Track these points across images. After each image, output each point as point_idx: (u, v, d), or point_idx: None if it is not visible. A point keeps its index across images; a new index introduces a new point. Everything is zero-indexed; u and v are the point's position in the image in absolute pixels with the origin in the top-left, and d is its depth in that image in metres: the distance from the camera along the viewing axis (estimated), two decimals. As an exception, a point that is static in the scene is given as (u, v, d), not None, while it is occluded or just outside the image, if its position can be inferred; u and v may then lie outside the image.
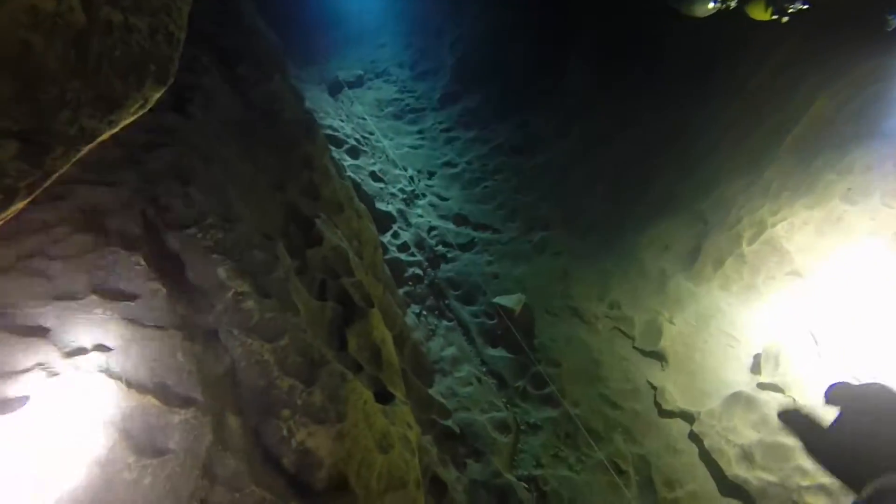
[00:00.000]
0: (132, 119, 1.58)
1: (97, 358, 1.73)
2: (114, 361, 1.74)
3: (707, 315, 5.30)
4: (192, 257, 2.22)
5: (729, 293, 5.41)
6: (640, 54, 7.31)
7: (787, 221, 5.07)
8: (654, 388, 4.84)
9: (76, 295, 1.83)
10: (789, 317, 4.82)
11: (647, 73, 7.22)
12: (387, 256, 5.52)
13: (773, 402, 4.24)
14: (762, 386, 4.39)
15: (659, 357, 5.08)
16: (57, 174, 1.32)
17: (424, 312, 5.27)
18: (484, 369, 4.96)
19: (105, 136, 1.45)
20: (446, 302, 5.60)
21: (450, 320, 5.40)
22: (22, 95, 1.23)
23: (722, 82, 6.22)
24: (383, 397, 2.94)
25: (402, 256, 5.82)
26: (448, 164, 8.04)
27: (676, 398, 4.70)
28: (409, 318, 4.89)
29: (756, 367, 4.59)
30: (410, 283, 5.58)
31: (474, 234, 6.72)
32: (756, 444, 4.04)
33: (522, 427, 4.48)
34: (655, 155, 6.74)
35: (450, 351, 4.92)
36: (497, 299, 5.56)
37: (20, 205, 1.27)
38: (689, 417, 4.53)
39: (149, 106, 1.63)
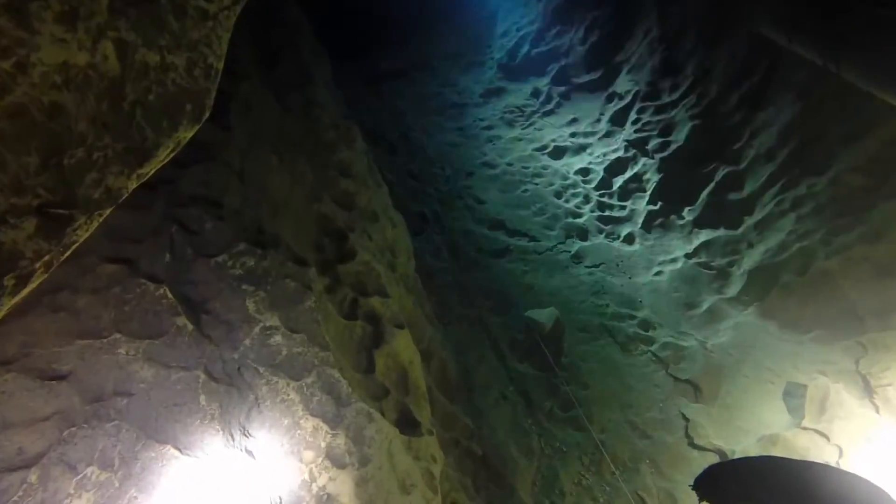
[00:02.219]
0: (165, 162, 1.54)
1: (118, 404, 1.74)
2: (135, 408, 1.75)
3: (746, 345, 5.08)
4: (221, 288, 2.21)
5: (772, 323, 5.16)
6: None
7: (844, 255, 4.78)
8: (687, 419, 4.67)
9: (101, 333, 1.84)
10: (840, 357, 4.56)
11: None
12: (418, 261, 5.48)
13: (814, 450, 4.04)
14: (804, 430, 4.17)
15: (693, 387, 4.89)
16: (76, 245, 1.30)
17: (454, 323, 5.22)
18: (511, 387, 4.90)
19: (133, 187, 1.41)
20: (477, 312, 5.53)
21: (480, 332, 5.34)
22: (47, 163, 1.17)
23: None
24: (409, 425, 2.92)
25: (434, 262, 5.77)
26: (487, 164, 7.89)
27: (709, 433, 4.53)
28: (439, 331, 4.85)
29: (798, 409, 4.36)
30: (441, 290, 5.53)
31: (510, 240, 6.59)
32: (792, 494, 3.85)
33: (547, 451, 4.41)
34: (700, 163, 6.45)
35: (478, 366, 4.87)
36: (529, 313, 5.46)
37: (33, 286, 1.25)
38: (721, 455, 4.36)
39: (182, 145, 1.58)
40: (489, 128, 8.83)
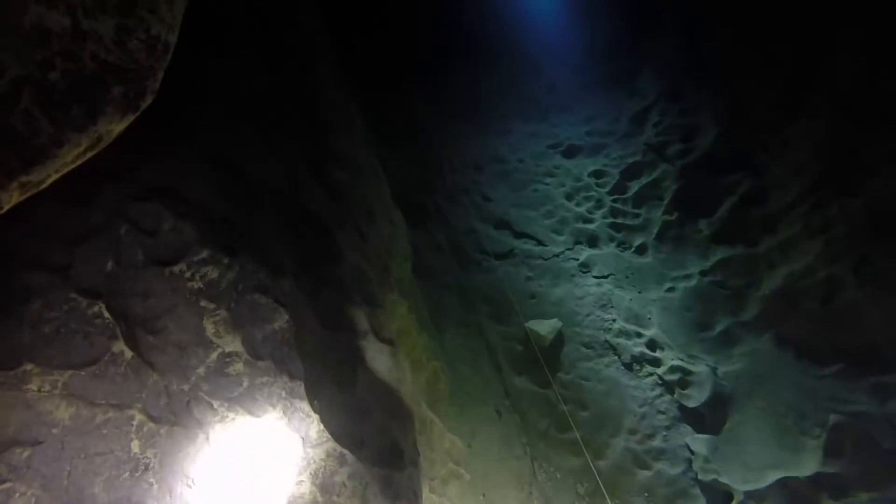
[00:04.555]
0: (77, 164, 1.18)
1: (16, 458, 1.41)
2: (40, 461, 1.43)
3: (761, 374, 4.74)
4: (175, 303, 1.88)
5: (790, 352, 4.81)
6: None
7: (876, 286, 4.41)
8: (692, 451, 4.36)
9: (9, 362, 1.51)
10: (864, 396, 4.22)
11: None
12: (417, 257, 5.14)
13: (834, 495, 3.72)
14: (824, 476, 3.85)
15: (700, 416, 4.57)
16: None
17: (451, 329, 4.90)
18: (507, 402, 4.59)
19: (17, 200, 1.06)
20: (476, 318, 5.21)
21: (477, 340, 5.02)
22: None
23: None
24: (391, 456, 2.61)
25: (434, 260, 5.43)
26: (498, 158, 7.50)
27: (716, 468, 4.22)
28: (434, 338, 4.54)
29: (819, 450, 4.04)
30: (439, 291, 5.20)
31: (515, 243, 6.24)
32: (803, 547, 3.56)
33: (540, 476, 4.12)
34: (723, 173, 6.05)
35: (473, 378, 4.56)
36: (530, 324, 5.14)
37: None
38: (727, 495, 4.05)
39: (108, 141, 1.22)
40: (503, 119, 8.41)
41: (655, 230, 6.22)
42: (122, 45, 1.19)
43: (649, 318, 5.40)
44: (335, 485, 2.01)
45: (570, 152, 7.57)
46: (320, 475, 1.97)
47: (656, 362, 4.99)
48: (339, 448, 2.08)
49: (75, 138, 1.12)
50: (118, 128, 1.29)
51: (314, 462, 1.97)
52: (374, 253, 3.52)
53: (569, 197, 6.90)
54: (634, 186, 6.72)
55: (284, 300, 2.26)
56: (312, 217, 3.12)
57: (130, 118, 1.32)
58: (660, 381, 4.86)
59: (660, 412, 4.66)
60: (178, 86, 2.63)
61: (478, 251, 5.93)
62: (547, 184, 7.08)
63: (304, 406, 2.01)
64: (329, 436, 2.08)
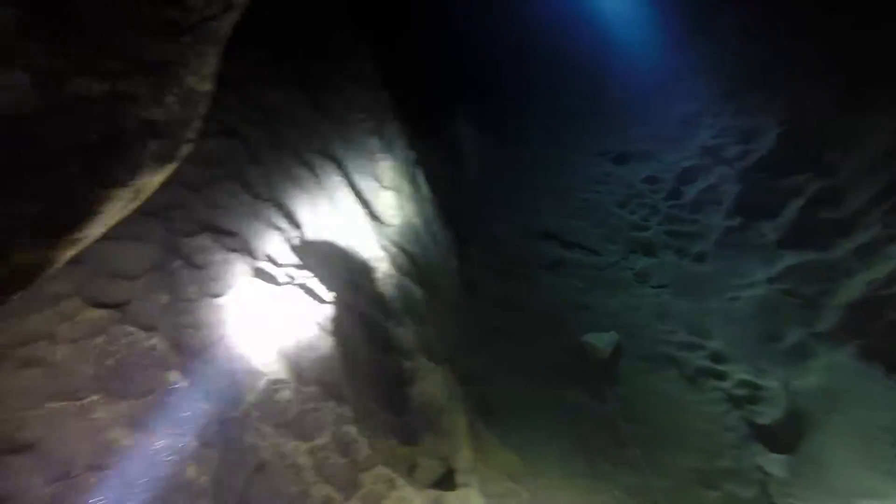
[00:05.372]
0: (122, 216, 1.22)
1: (86, 482, 1.48)
2: (107, 488, 1.49)
3: (842, 390, 4.38)
4: (226, 334, 1.94)
5: (877, 366, 4.43)
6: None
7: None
8: (765, 473, 4.06)
9: (76, 393, 1.59)
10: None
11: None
12: (463, 273, 5.11)
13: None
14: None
15: (773, 435, 4.26)
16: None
17: (499, 344, 4.83)
18: (562, 418, 4.45)
19: (70, 255, 1.10)
20: (524, 331, 5.11)
21: (527, 354, 4.92)
22: None
23: None
24: (442, 477, 2.57)
25: (480, 275, 5.39)
26: (543, 169, 7.40)
27: (793, 492, 3.91)
28: (482, 353, 4.48)
29: (911, 477, 3.68)
30: (486, 306, 5.15)
31: (565, 254, 6.10)
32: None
33: (599, 496, 3.95)
34: (787, 175, 5.71)
35: (526, 393, 4.46)
36: (587, 336, 4.98)
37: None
38: (809, 524, 3.74)
39: (149, 192, 1.26)
40: (549, 129, 8.32)
41: (715, 236, 5.92)
42: (158, 102, 1.23)
43: (711, 329, 5.12)
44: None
45: (621, 159, 7.37)
46: (370, 498, 1.96)
47: (721, 376, 4.72)
48: (388, 472, 2.07)
49: (117, 194, 1.17)
50: (158, 179, 1.34)
51: (364, 485, 1.97)
52: (420, 272, 3.52)
53: (621, 205, 6.70)
54: (691, 191, 6.45)
55: (331, 325, 2.30)
56: (366, 236, 3.17)
57: (169, 169, 1.37)
58: (726, 396, 4.58)
59: (727, 429, 4.38)
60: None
61: (526, 263, 5.84)
62: (597, 192, 6.91)
63: (352, 430, 2.01)
64: (379, 459, 2.07)
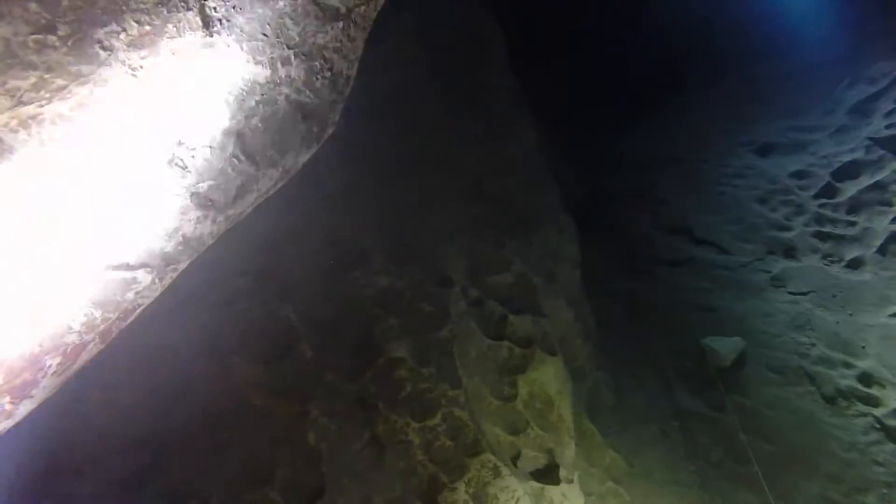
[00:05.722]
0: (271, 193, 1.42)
1: (223, 439, 1.76)
2: (240, 441, 1.77)
3: None
4: (351, 310, 2.16)
5: None
6: None
7: None
8: (914, 512, 3.60)
9: (219, 355, 1.86)
10: None
11: None
12: (585, 265, 5.02)
13: None
14: None
15: (931, 473, 3.73)
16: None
17: (615, 339, 4.74)
18: (674, 423, 4.30)
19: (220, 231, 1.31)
20: (644, 330, 4.95)
21: (644, 353, 4.77)
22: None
23: None
24: (546, 470, 2.66)
25: (602, 267, 5.27)
26: (675, 159, 6.93)
27: (952, 544, 3.42)
28: (597, 348, 4.42)
29: None
30: (606, 299, 5.04)
31: (694, 250, 5.73)
32: None
33: (709, 508, 3.79)
34: None
35: (637, 393, 4.36)
36: (708, 340, 4.71)
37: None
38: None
39: (295, 171, 1.44)
40: (684, 113, 7.74)
41: (879, 242, 5.17)
42: (311, 85, 1.38)
43: (863, 347, 4.54)
44: (487, 496, 2.11)
45: (766, 150, 6.65)
46: (474, 484, 2.10)
47: (872, 401, 4.20)
48: (493, 460, 2.19)
49: (269, 173, 1.35)
50: (303, 159, 1.51)
51: (469, 470, 2.10)
52: (539, 260, 3.56)
53: (762, 201, 6.09)
54: (850, 189, 5.66)
55: (450, 310, 2.44)
56: (483, 223, 3.28)
57: (315, 148, 1.54)
58: (877, 425, 4.08)
59: (877, 463, 3.92)
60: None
61: (651, 258, 5.59)
62: (735, 185, 6.34)
63: (463, 415, 2.15)
64: (486, 446, 2.19)
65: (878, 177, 5.53)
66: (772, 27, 7.80)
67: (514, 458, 2.56)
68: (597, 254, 5.35)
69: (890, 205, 5.29)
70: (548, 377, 3.05)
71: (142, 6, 1.09)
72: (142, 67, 1.12)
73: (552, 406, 3.02)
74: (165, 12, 1.13)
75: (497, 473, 2.13)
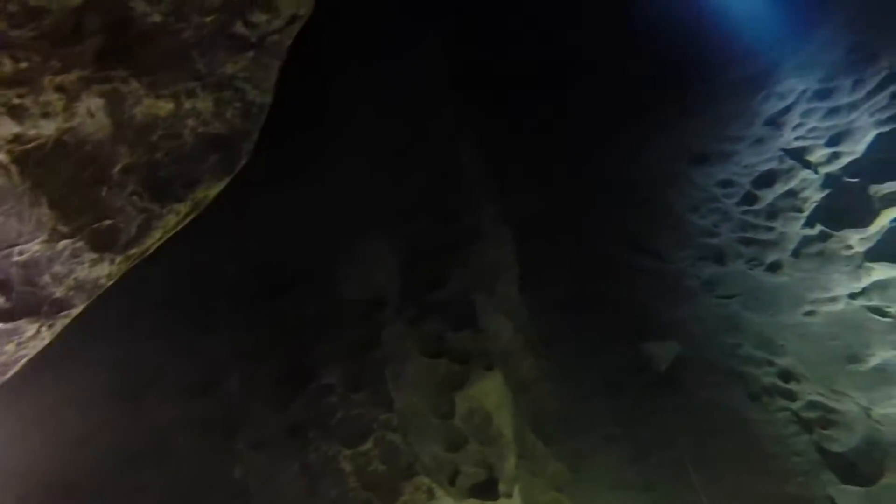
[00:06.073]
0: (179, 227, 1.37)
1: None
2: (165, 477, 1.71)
3: (933, 420, 4.02)
4: (279, 338, 2.12)
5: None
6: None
7: None
8: (835, 504, 3.84)
9: (131, 394, 1.80)
10: None
11: None
12: (529, 274, 5.11)
13: None
14: None
15: (849, 464, 4.00)
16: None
17: (560, 348, 4.84)
18: (619, 429, 4.42)
19: (123, 270, 1.25)
20: (588, 337, 5.08)
21: (589, 360, 4.89)
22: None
23: None
24: (485, 486, 2.67)
25: (546, 276, 5.39)
26: (617, 170, 7.22)
27: (868, 526, 3.67)
28: (542, 358, 4.51)
29: None
30: (550, 308, 5.16)
31: (635, 259, 5.96)
32: None
33: (651, 509, 3.91)
34: (883, 181, 5.22)
35: (583, 401, 4.46)
36: (646, 345, 4.89)
37: None
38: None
39: (206, 203, 1.40)
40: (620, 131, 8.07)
41: (793, 246, 5.55)
42: (220, 116, 1.35)
43: (783, 346, 4.85)
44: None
45: (696, 160, 7.03)
46: None
47: (791, 396, 4.48)
48: (427, 482, 2.18)
49: (176, 208, 1.31)
50: (215, 191, 1.47)
51: (404, 493, 2.09)
52: (477, 275, 3.61)
53: (692, 209, 6.43)
54: (768, 197, 6.06)
55: (381, 332, 2.43)
56: (421, 241, 3.30)
57: (227, 180, 1.49)
58: (795, 418, 4.35)
59: (795, 454, 4.17)
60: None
61: (586, 266, 5.77)
62: (667, 195, 6.66)
63: (396, 438, 2.14)
64: (421, 468, 2.19)
65: (791, 185, 5.94)
66: (698, 51, 8.29)
67: (453, 476, 2.56)
68: (539, 264, 5.47)
69: (801, 211, 5.70)
70: (486, 392, 3.08)
71: (21, 41, 1.03)
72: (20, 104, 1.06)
73: (491, 420, 3.05)
74: (49, 47, 1.07)
75: (431, 496, 2.13)
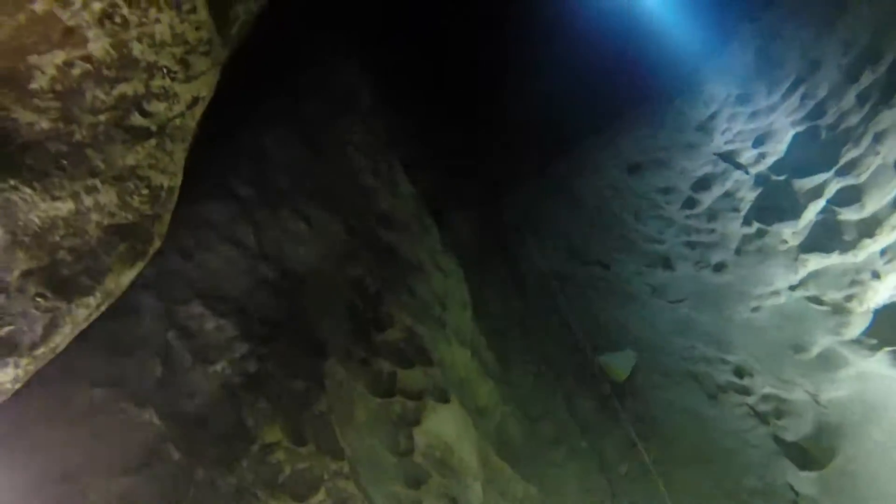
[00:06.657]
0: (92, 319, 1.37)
1: None
2: None
3: (875, 401, 4.22)
4: (217, 401, 2.12)
5: (910, 372, 4.26)
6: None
7: None
8: (797, 493, 3.97)
9: (68, 476, 1.76)
10: None
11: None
12: (479, 302, 5.18)
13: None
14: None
15: (802, 451, 4.16)
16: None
17: (519, 370, 4.91)
18: (583, 442, 4.49)
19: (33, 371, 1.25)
20: (545, 356, 5.17)
21: (549, 378, 4.97)
22: None
23: None
24: (448, 522, 2.69)
25: (498, 300, 5.48)
26: (558, 181, 7.45)
27: (824, 510, 3.81)
28: (501, 382, 4.56)
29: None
30: (505, 332, 5.24)
31: (582, 270, 6.13)
32: None
33: (621, 520, 3.96)
34: (806, 177, 5.56)
35: (546, 418, 4.52)
36: (603, 358, 5.00)
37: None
38: (843, 544, 3.64)
39: (119, 292, 1.42)
40: (559, 139, 8.35)
41: (734, 245, 5.82)
42: (126, 206, 1.36)
43: (733, 343, 5.04)
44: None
45: (635, 168, 7.33)
46: None
47: (745, 391, 4.64)
48: None
49: (86, 301, 1.31)
50: (127, 278, 1.47)
51: None
52: (425, 309, 3.65)
53: (636, 217, 6.67)
54: (707, 200, 6.36)
55: (325, 381, 2.45)
56: (361, 285, 3.34)
57: (140, 265, 1.50)
58: (751, 412, 4.50)
59: (753, 446, 4.31)
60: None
61: (535, 278, 5.90)
62: (610, 203, 6.90)
63: (349, 485, 2.14)
64: None
65: (727, 187, 6.26)
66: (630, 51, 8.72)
67: (412, 518, 2.56)
68: (489, 287, 5.57)
69: (738, 210, 6.00)
70: (444, 424, 3.10)
71: None
72: None
73: (452, 451, 3.06)
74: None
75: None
